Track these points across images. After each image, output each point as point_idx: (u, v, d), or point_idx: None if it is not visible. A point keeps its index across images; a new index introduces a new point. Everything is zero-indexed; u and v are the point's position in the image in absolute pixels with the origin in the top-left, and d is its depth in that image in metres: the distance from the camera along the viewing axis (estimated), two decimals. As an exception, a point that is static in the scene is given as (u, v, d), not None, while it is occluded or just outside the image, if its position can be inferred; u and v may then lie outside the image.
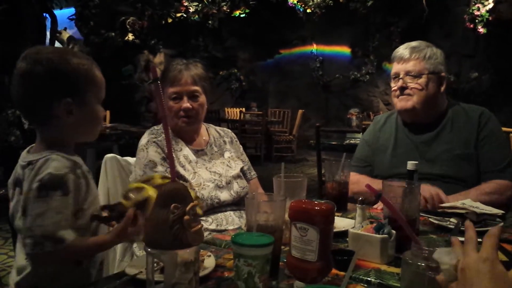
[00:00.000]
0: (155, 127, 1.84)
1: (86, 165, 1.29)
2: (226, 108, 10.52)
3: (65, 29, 9.24)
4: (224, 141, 1.95)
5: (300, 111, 9.19)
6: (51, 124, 1.22)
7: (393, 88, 2.04)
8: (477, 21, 7.64)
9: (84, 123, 1.25)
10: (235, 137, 2.03)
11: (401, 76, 2.00)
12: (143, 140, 1.76)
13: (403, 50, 2.03)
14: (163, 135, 1.77)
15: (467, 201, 1.68)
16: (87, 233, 1.22)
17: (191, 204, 0.92)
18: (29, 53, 1.20)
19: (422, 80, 1.97)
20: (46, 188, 1.12)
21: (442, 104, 2.06)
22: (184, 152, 1.78)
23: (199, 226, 0.93)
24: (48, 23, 7.76)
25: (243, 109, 9.84)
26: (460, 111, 2.05)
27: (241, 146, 2.03)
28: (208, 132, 1.94)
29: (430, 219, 1.59)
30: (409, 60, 1.99)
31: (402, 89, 1.99)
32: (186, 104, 1.75)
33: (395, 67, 2.04)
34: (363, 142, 2.24)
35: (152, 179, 1.14)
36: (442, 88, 2.03)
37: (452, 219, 1.56)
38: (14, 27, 6.79)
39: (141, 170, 1.69)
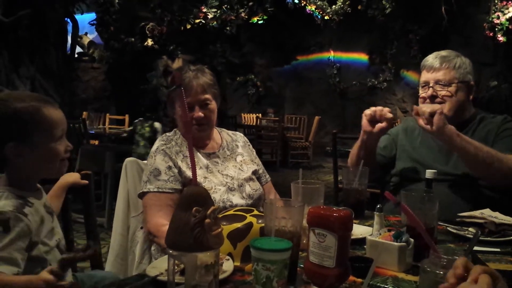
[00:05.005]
0: (167, 133, 1.86)
1: (44, 199, 1.38)
2: (242, 114, 10.56)
3: (86, 34, 9.42)
4: (237, 145, 1.96)
5: (316, 118, 9.19)
6: (9, 166, 1.29)
7: (421, 96, 2.05)
8: (496, 29, 7.57)
9: (38, 162, 1.30)
10: (248, 141, 2.04)
11: (431, 84, 2.01)
12: (154, 147, 1.79)
13: (433, 59, 2.04)
14: (173, 142, 1.79)
15: (485, 210, 1.67)
16: (41, 265, 1.27)
17: (212, 207, 0.94)
18: None
19: (452, 88, 1.99)
20: None
21: (468, 111, 2.08)
22: (195, 158, 1.80)
23: (220, 229, 0.95)
24: (70, 27, 7.91)
25: (260, 115, 9.86)
26: (485, 119, 2.06)
27: (254, 150, 2.04)
28: (221, 136, 1.95)
29: (448, 228, 1.58)
30: (439, 69, 2.00)
31: (433, 97, 2.00)
32: (197, 113, 1.76)
33: (425, 76, 2.05)
34: (387, 135, 2.26)
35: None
36: (471, 97, 2.05)
37: (470, 229, 1.55)
38: (37, 31, 6.93)
39: (146, 177, 1.72)
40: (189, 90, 1.74)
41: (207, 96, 1.78)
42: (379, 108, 1.93)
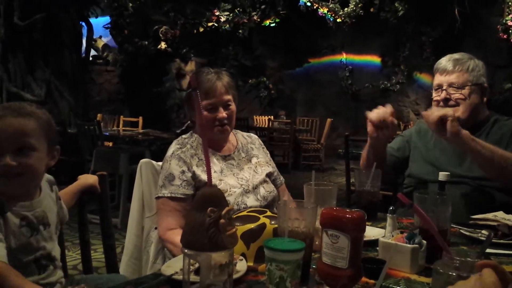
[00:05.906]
0: (183, 136, 1.88)
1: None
2: (254, 116, 10.58)
3: (100, 37, 9.52)
4: (252, 147, 1.97)
5: (328, 120, 9.17)
6: None
7: (435, 99, 2.05)
8: (510, 31, 7.51)
9: None
10: (262, 143, 2.05)
11: (444, 87, 2.01)
12: (169, 151, 1.80)
13: (446, 62, 2.04)
14: (188, 145, 1.81)
15: (499, 213, 1.66)
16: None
17: (227, 208, 0.95)
18: None
19: (465, 91, 1.98)
20: None
21: (482, 113, 2.07)
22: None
23: (234, 229, 0.96)
24: (84, 31, 8.01)
25: (272, 117, 9.88)
26: (499, 122, 2.06)
27: (268, 152, 2.05)
28: (236, 138, 1.97)
29: (461, 231, 1.58)
30: (452, 72, 2.00)
31: (446, 100, 2.00)
32: (222, 114, 1.78)
33: (438, 79, 2.05)
34: (400, 137, 2.28)
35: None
36: (485, 99, 2.05)
37: (483, 231, 1.55)
38: (52, 34, 7.03)
39: (161, 181, 1.74)
40: (213, 91, 1.77)
41: (229, 97, 1.81)
42: (381, 110, 1.92)
